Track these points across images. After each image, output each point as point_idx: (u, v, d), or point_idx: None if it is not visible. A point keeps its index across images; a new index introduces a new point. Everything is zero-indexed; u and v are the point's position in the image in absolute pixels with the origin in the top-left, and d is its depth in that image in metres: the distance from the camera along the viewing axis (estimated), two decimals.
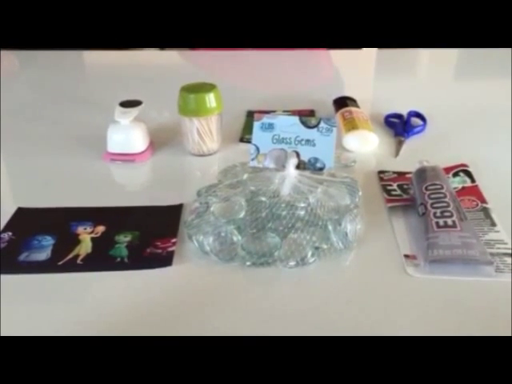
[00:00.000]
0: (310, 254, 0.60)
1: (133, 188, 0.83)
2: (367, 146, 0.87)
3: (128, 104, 0.86)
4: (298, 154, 0.66)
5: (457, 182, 0.75)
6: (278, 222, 0.63)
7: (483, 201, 0.70)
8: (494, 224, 0.65)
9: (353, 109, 0.93)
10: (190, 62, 1.50)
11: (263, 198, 0.65)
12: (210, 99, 0.83)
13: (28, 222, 0.69)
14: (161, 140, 0.91)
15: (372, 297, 0.56)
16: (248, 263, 0.60)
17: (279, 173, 0.66)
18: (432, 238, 0.60)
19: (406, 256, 0.61)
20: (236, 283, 0.59)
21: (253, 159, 0.67)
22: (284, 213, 0.63)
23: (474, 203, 0.70)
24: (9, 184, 0.82)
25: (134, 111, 0.85)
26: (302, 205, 0.63)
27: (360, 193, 0.68)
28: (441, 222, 0.61)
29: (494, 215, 0.67)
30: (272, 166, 0.66)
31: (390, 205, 0.71)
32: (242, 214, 0.63)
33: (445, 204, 0.63)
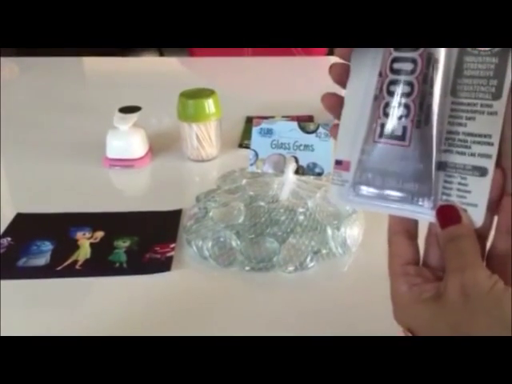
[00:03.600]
0: (308, 258, 0.60)
1: (132, 193, 0.84)
2: None
3: (127, 110, 0.86)
4: (296, 159, 0.66)
5: None
6: (276, 227, 0.63)
7: None
8: (498, 95, 0.36)
9: None
10: (189, 68, 1.50)
11: (262, 203, 0.65)
12: (209, 105, 0.83)
13: (27, 227, 0.69)
14: (160, 145, 0.91)
15: (371, 302, 0.56)
16: (247, 268, 0.60)
17: (278, 178, 0.66)
18: (367, 153, 0.39)
19: (338, 162, 0.41)
20: (235, 288, 0.59)
21: (252, 164, 0.67)
22: (283, 218, 0.63)
23: None
24: (8, 189, 0.82)
25: (133, 117, 0.85)
26: (301, 210, 0.63)
27: None
28: (388, 127, 0.38)
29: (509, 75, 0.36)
30: (271, 171, 0.67)
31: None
32: (240, 219, 0.63)
33: (408, 88, 0.37)
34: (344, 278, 0.61)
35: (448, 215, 0.37)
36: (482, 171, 0.37)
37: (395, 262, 0.40)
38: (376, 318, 0.54)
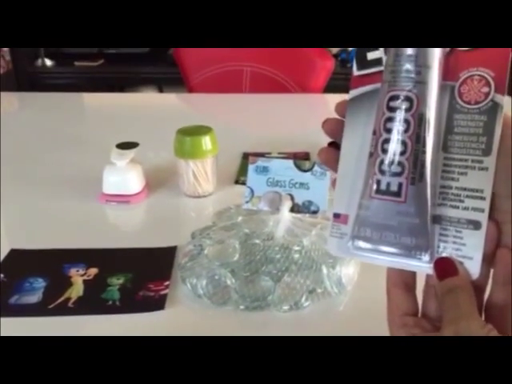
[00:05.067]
0: (304, 297, 0.59)
1: (127, 229, 0.83)
2: None
3: (124, 146, 0.87)
4: (292, 197, 0.66)
5: None
6: (271, 265, 0.63)
7: (501, 83, 0.37)
8: (488, 151, 0.37)
9: None
10: (187, 104, 1.52)
11: (257, 241, 0.64)
12: (206, 142, 0.84)
13: (21, 263, 0.69)
14: (156, 181, 0.91)
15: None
16: (241, 307, 0.60)
17: (273, 216, 0.66)
18: (364, 209, 0.41)
19: (337, 216, 0.42)
20: (229, 327, 0.58)
21: (247, 202, 0.67)
22: (278, 256, 0.63)
23: (484, 91, 0.37)
24: (2, 225, 0.82)
25: (131, 153, 0.85)
26: (296, 248, 0.63)
27: None
28: (383, 183, 0.39)
29: (497, 130, 0.37)
30: (266, 208, 0.67)
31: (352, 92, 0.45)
32: (235, 257, 0.63)
33: (401, 147, 0.38)
34: (339, 317, 0.60)
35: (445, 268, 0.38)
36: (475, 225, 0.38)
37: (394, 313, 0.41)
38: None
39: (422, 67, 0.38)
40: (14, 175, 0.97)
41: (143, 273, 0.66)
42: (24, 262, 0.69)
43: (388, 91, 0.39)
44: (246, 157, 1.01)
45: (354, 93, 0.43)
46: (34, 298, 0.62)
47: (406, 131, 0.38)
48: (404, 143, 0.38)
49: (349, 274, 0.63)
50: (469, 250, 0.38)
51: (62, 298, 0.61)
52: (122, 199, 0.85)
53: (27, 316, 0.59)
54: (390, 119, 0.39)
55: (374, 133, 0.40)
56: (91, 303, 0.61)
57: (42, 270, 0.67)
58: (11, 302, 0.61)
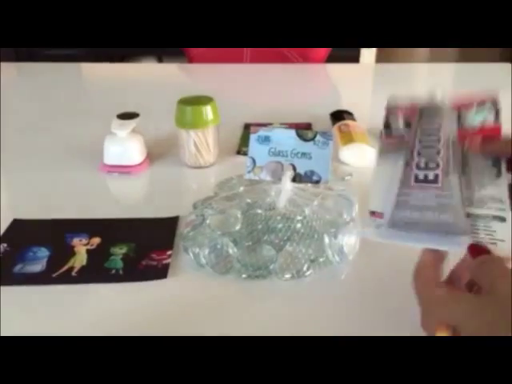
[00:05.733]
0: (305, 266, 0.60)
1: (129, 200, 0.83)
2: (364, 159, 0.87)
3: (125, 116, 0.86)
4: (294, 167, 0.66)
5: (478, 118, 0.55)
6: (273, 234, 0.63)
7: None
8: (499, 174, 0.50)
9: (350, 122, 0.93)
10: (187, 74, 1.51)
11: (259, 211, 0.65)
12: (207, 112, 0.84)
13: (23, 233, 0.69)
14: (158, 152, 0.91)
15: (368, 310, 0.56)
16: (244, 276, 0.60)
17: (275, 185, 0.66)
18: (403, 195, 0.50)
19: (372, 213, 0.51)
20: (231, 296, 0.59)
21: (249, 172, 0.67)
22: (280, 225, 0.63)
23: None
24: (4, 195, 0.82)
25: (131, 123, 0.85)
26: (298, 217, 0.63)
27: (357, 206, 0.68)
28: (421, 174, 0.50)
29: (503, 164, 0.51)
30: (268, 178, 0.67)
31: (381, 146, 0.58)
32: (237, 227, 0.63)
33: (434, 151, 0.50)
34: (341, 286, 0.61)
35: (477, 249, 0.45)
36: (500, 219, 0.47)
37: (426, 276, 0.46)
38: (373, 325, 0.54)
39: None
40: (14, 146, 0.97)
41: (146, 242, 0.66)
42: (27, 232, 0.69)
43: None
44: (247, 127, 1.01)
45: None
46: (37, 266, 0.62)
47: (438, 141, 0.51)
48: (437, 149, 0.50)
49: (350, 244, 0.63)
50: (499, 235, 0.46)
51: (65, 267, 0.62)
52: (124, 170, 0.85)
53: (31, 285, 0.60)
54: (422, 140, 0.52)
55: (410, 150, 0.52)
56: (95, 272, 0.61)
57: (45, 239, 0.67)
58: (15, 271, 0.61)
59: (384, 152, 0.54)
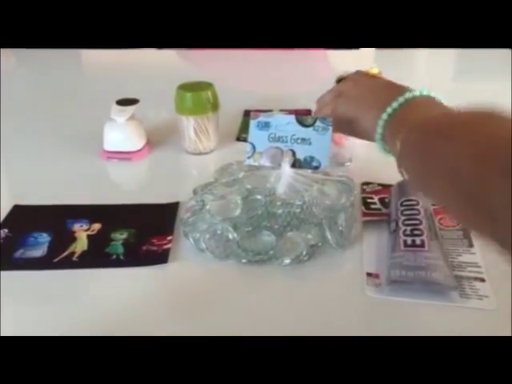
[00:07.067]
0: (305, 251, 0.60)
1: (129, 186, 0.84)
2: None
3: (124, 102, 0.86)
4: (293, 153, 0.66)
5: None
6: (273, 220, 0.63)
7: None
8: (471, 245, 0.62)
9: None
10: (187, 60, 1.50)
11: (259, 196, 0.65)
12: (207, 98, 0.83)
13: (24, 219, 0.70)
14: (157, 138, 0.91)
15: (368, 294, 0.56)
16: (244, 261, 0.61)
17: (275, 171, 0.66)
18: (396, 258, 0.57)
19: (369, 274, 0.58)
20: (231, 280, 0.59)
21: (249, 157, 0.67)
22: (280, 211, 0.63)
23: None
24: (5, 181, 0.82)
25: (131, 109, 0.85)
26: (298, 203, 0.63)
27: (356, 191, 0.69)
28: (409, 240, 0.58)
29: (473, 235, 0.62)
30: (268, 164, 0.67)
31: (364, 219, 0.68)
32: (237, 212, 0.64)
33: (417, 221, 0.60)
34: (340, 272, 0.61)
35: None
36: (481, 280, 0.57)
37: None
38: (372, 308, 0.55)
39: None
40: (15, 132, 0.97)
41: (146, 228, 0.67)
42: (27, 218, 0.70)
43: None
44: (247, 114, 1.01)
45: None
46: (38, 252, 0.62)
47: (418, 213, 0.62)
48: (419, 220, 0.61)
49: (349, 229, 0.63)
50: (482, 292, 0.55)
51: (66, 252, 0.62)
52: (124, 156, 0.85)
53: (32, 269, 0.60)
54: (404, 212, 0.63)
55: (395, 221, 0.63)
56: (95, 257, 0.62)
57: (46, 225, 0.67)
58: (16, 256, 0.62)
59: (367, 225, 0.66)
